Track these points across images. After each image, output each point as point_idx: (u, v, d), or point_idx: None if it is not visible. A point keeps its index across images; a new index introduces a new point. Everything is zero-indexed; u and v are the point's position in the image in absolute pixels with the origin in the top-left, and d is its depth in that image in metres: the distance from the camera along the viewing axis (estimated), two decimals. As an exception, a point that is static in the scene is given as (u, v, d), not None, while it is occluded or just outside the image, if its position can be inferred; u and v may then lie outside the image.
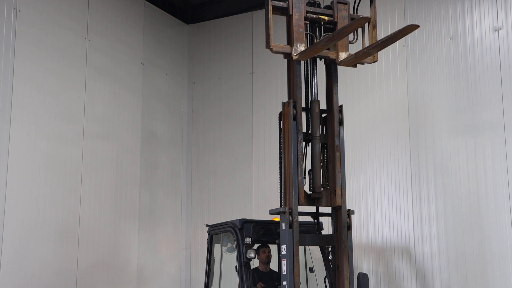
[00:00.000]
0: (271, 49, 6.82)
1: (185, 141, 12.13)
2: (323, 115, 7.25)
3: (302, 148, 6.88)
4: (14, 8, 8.94)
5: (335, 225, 6.98)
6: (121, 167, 10.72)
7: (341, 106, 7.16)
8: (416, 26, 5.70)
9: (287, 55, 6.96)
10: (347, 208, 6.95)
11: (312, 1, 7.23)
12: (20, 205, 8.92)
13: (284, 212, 6.62)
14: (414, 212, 9.22)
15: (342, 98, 7.48)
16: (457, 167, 8.96)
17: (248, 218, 7.84)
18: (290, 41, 7.00)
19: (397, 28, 9.76)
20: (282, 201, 6.97)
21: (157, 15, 11.99)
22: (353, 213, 7.08)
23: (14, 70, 8.93)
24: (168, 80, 12.05)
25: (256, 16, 11.45)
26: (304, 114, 7.17)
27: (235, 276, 7.54)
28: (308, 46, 7.13)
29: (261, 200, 10.81)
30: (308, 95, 7.37)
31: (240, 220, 7.65)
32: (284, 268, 6.57)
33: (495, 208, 8.55)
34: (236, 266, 7.53)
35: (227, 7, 12.33)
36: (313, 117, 7.17)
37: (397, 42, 9.68)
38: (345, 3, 7.22)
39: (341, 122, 7.11)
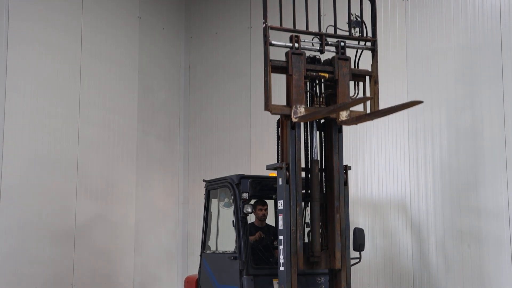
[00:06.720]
0: (270, 111, 6.61)
1: (182, 96, 12.08)
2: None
3: (301, 209, 6.68)
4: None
5: (333, 286, 6.87)
6: (118, 123, 10.70)
7: (346, 166, 6.92)
8: (419, 102, 5.59)
9: (286, 117, 6.71)
10: (344, 164, 6.97)
11: (312, 56, 6.98)
12: (17, 170, 8.96)
13: (281, 168, 6.64)
14: (411, 167, 9.25)
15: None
16: (454, 123, 8.95)
17: (246, 174, 7.87)
18: (289, 102, 6.74)
19: (397, -18, 9.67)
20: (279, 156, 6.98)
21: (153, -32, 11.83)
22: (350, 169, 7.10)
23: (9, 27, 8.90)
24: (165, 34, 11.93)
25: (255, -31, 11.28)
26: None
27: (232, 230, 7.60)
28: (308, 104, 6.94)
29: (259, 156, 10.82)
30: (308, 154, 7.06)
31: (237, 175, 7.67)
32: (280, 223, 6.62)
33: (491, 165, 8.57)
34: (233, 221, 7.59)
35: (225, -40, 12.14)
36: (312, 177, 6.89)
37: (396, -4, 9.65)
38: (346, 59, 6.92)
39: (345, 183, 6.86)
